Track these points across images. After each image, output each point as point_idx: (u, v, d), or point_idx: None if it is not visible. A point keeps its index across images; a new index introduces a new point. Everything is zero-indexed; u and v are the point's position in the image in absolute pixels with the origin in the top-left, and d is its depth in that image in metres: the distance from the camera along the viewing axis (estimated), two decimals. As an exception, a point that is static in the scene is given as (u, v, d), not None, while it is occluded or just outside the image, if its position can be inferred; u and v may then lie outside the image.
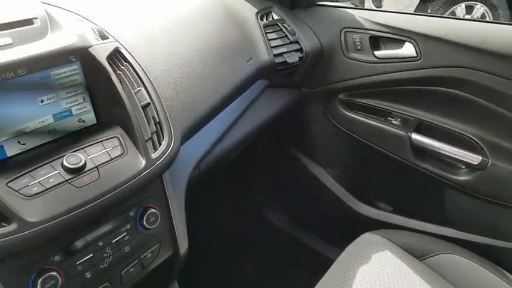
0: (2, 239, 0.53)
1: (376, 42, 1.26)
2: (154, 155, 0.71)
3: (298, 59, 1.21)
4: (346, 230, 1.20)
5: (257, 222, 1.80)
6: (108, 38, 0.79)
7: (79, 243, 0.67)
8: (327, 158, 1.51)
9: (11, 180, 0.58)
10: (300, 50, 1.22)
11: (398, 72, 1.22)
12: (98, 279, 0.71)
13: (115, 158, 0.67)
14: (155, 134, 0.74)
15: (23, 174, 0.59)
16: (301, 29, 1.27)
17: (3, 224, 0.54)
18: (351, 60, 1.27)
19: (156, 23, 1.00)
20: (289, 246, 1.74)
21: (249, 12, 1.23)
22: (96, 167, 0.64)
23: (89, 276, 0.69)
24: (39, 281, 0.61)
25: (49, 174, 0.60)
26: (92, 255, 0.68)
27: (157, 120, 0.76)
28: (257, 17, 1.22)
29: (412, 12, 3.26)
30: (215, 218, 1.69)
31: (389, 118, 1.31)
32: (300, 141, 1.56)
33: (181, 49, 0.95)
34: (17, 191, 0.57)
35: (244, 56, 1.11)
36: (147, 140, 0.72)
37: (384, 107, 1.30)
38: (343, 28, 1.28)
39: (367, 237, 1.12)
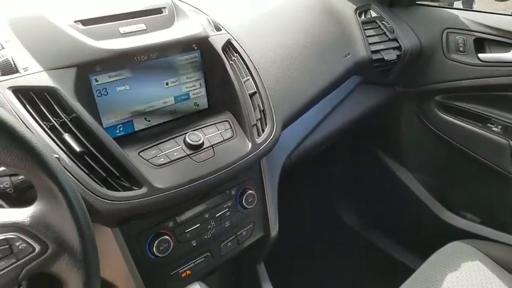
0: (134, 201, 0.61)
1: (480, 44, 1.20)
2: (258, 140, 0.76)
3: (396, 56, 1.19)
4: (429, 238, 1.17)
5: (330, 221, 1.80)
6: (221, 29, 0.86)
7: (189, 213, 0.74)
8: (414, 161, 1.47)
9: (142, 151, 0.66)
10: (398, 48, 1.21)
11: (503, 77, 1.15)
12: (201, 248, 0.78)
13: (227, 139, 0.73)
14: (259, 120, 0.79)
15: (151, 146, 0.67)
16: (400, 27, 1.25)
17: (134, 187, 0.62)
18: (452, 61, 1.23)
19: (260, 17, 1.05)
20: (362, 249, 1.71)
21: (348, 8, 1.24)
22: (212, 145, 0.71)
23: (195, 244, 0.76)
24: (155, 243, 0.69)
25: (173, 148, 0.68)
26: (198, 225, 0.75)
27: (262, 108, 0.81)
28: (355, 14, 1.23)
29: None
30: (293, 210, 1.72)
31: (488, 124, 1.24)
32: (386, 142, 1.53)
33: (283, 42, 0.99)
34: (147, 160, 0.65)
35: (342, 51, 1.13)
36: (252, 126, 0.77)
37: (484, 112, 1.23)
38: (446, 28, 1.23)
39: (455, 246, 1.08)
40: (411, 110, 1.39)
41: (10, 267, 0.39)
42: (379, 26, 1.24)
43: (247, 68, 0.83)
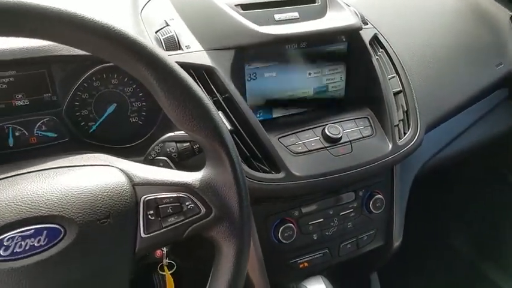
0: (272, 183, 0.61)
1: None
2: (400, 142, 0.72)
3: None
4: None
5: (442, 244, 1.65)
6: (367, 23, 0.83)
7: (314, 206, 0.73)
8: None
9: (281, 137, 0.67)
10: None
11: None
12: (321, 243, 0.76)
13: (365, 137, 0.70)
14: (401, 121, 0.74)
15: (290, 134, 0.67)
16: None
17: (272, 171, 0.62)
18: None
19: (404, 13, 1.00)
20: (469, 276, 1.54)
21: (503, 14, 1.11)
22: (350, 141, 0.69)
23: (315, 238, 0.75)
24: (281, 229, 0.69)
25: (311, 138, 0.67)
26: (321, 220, 0.74)
27: (405, 108, 0.76)
28: (511, 21, 1.10)
29: None
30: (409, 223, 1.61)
31: None
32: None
33: (430, 43, 0.93)
34: (285, 147, 0.65)
35: (494, 60, 1.02)
36: (395, 126, 0.73)
37: None
38: None
39: None
40: None
41: (179, 224, 0.42)
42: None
43: (393, 65, 0.79)
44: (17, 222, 0.36)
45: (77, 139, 0.69)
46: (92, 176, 0.42)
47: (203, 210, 0.43)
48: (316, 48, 0.73)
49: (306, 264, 0.76)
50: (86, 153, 0.66)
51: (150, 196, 0.42)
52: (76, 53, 0.60)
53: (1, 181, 0.40)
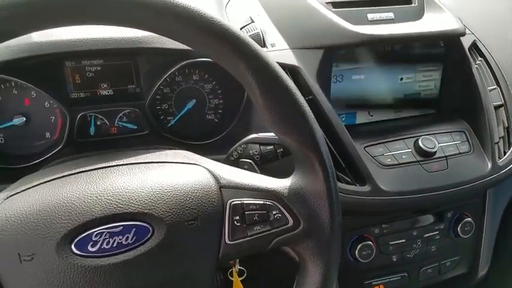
0: (355, 196, 0.57)
1: None
2: (500, 162, 0.64)
3: None
4: None
5: None
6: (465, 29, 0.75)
7: (397, 225, 0.67)
8: None
9: (368, 146, 0.61)
10: None
11: None
12: (400, 266, 0.70)
13: (462, 153, 0.63)
14: (502, 139, 0.66)
15: (378, 143, 0.62)
16: None
17: (356, 183, 0.57)
18: None
19: (503, 18, 0.90)
20: None
21: None
22: (445, 156, 0.62)
23: (395, 259, 0.68)
24: (358, 246, 0.64)
25: (402, 150, 0.61)
26: (403, 240, 0.68)
27: (506, 125, 0.67)
28: None
29: None
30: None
31: None
32: None
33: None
34: (372, 157, 0.60)
35: None
36: (495, 143, 0.65)
37: None
38: None
39: None
40: None
41: (265, 233, 0.39)
42: None
43: (494, 75, 0.71)
44: (106, 217, 0.35)
45: (155, 133, 0.69)
46: (181, 174, 0.40)
47: (291, 221, 0.40)
48: (411, 52, 0.67)
49: (381, 286, 0.70)
50: (165, 147, 0.66)
51: (237, 200, 0.39)
52: (163, 47, 0.59)
53: (91, 172, 0.39)
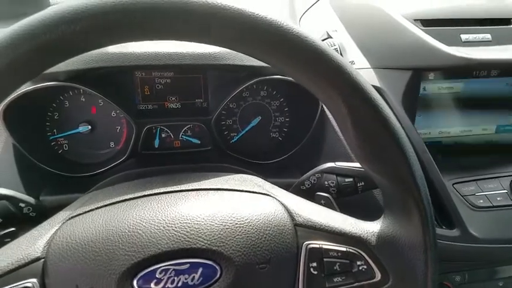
0: (441, 241, 0.49)
1: None
2: None
3: None
4: None
5: None
6: None
7: (483, 274, 0.58)
8: None
9: (457, 183, 0.54)
10: None
11: None
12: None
13: None
14: None
15: (469, 181, 0.54)
16: None
17: (443, 226, 0.50)
18: None
19: None
20: None
21: None
22: None
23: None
24: None
25: (497, 190, 0.53)
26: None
27: None
28: None
29: None
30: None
31: None
32: None
33: None
34: (462, 196, 0.52)
35: None
36: None
37: None
38: None
39: None
40: None
41: (346, 286, 0.33)
42: None
43: None
44: (172, 251, 0.31)
45: (218, 149, 0.65)
46: (252, 206, 0.35)
47: (378, 275, 0.34)
48: (509, 80, 0.59)
49: None
50: (230, 167, 0.62)
51: (315, 244, 0.34)
52: (236, 63, 0.56)
53: (158, 197, 0.35)
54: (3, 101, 0.27)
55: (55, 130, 0.60)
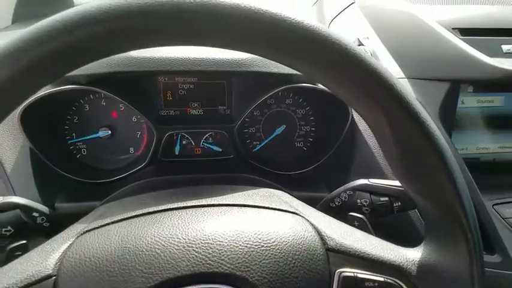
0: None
1: None
2: None
3: None
4: None
5: None
6: None
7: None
8: None
9: (497, 204, 0.50)
10: None
11: None
12: None
13: None
14: None
15: (510, 202, 0.50)
16: None
17: (484, 251, 0.46)
18: None
19: None
20: None
21: None
22: None
23: None
24: None
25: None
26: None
27: None
28: None
29: None
30: None
31: None
32: None
33: None
34: (503, 219, 0.48)
35: None
36: None
37: None
38: None
39: None
40: None
41: None
42: None
43: None
44: (192, 275, 0.28)
45: (240, 157, 0.63)
46: (280, 226, 0.32)
47: None
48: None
49: None
50: (252, 177, 0.59)
51: (348, 272, 0.31)
52: (263, 70, 0.53)
53: (179, 212, 0.33)
54: (21, 104, 0.25)
55: (74, 134, 0.59)
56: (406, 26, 0.59)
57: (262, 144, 0.66)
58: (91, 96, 0.58)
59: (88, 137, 0.59)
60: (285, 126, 0.65)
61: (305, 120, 0.66)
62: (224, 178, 0.58)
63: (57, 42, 0.23)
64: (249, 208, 0.35)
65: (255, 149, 0.66)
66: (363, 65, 0.27)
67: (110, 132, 0.59)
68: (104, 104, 0.59)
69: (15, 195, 0.48)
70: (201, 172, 0.60)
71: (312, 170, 0.63)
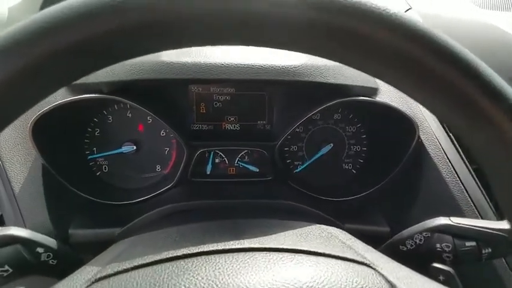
0: None
1: None
2: None
3: None
4: None
5: None
6: None
7: None
8: None
9: None
10: None
11: None
12: None
13: None
14: None
15: None
16: None
17: None
18: None
19: None
20: None
21: None
22: None
23: None
24: None
25: None
26: None
27: None
28: None
29: None
30: None
31: None
32: None
33: None
34: None
35: None
36: None
37: None
38: None
39: None
40: None
41: None
42: None
43: None
44: None
45: (279, 179, 0.55)
46: (346, 283, 0.24)
47: None
48: None
49: None
50: (295, 203, 0.51)
51: None
52: (313, 80, 0.45)
53: (217, 257, 0.25)
54: (27, 111, 0.18)
55: (95, 149, 0.52)
56: (484, 37, 0.50)
57: (305, 165, 0.57)
58: (115, 106, 0.52)
59: (110, 153, 0.53)
60: (332, 145, 0.56)
61: (355, 139, 0.58)
62: (265, 206, 0.49)
63: (70, 36, 0.16)
64: (304, 255, 0.27)
65: (297, 170, 0.58)
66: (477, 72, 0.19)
67: (134, 147, 0.52)
68: (130, 115, 0.52)
69: (22, 219, 0.41)
70: (235, 196, 0.52)
71: (364, 197, 0.54)
